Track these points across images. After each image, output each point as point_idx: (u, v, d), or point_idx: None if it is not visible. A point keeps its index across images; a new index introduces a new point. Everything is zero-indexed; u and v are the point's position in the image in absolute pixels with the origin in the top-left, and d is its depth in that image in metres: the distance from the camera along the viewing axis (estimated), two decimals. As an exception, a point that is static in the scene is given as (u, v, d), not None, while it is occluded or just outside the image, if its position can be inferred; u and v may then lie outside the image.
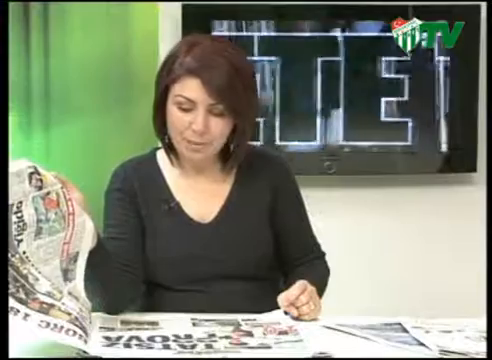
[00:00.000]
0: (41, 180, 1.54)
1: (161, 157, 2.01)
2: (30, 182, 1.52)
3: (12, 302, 1.45)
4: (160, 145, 2.00)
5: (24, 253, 1.50)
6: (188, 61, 1.84)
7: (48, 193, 1.55)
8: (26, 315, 1.45)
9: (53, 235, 1.55)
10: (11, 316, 1.43)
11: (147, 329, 1.65)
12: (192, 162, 1.95)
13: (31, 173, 1.53)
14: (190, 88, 1.83)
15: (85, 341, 1.49)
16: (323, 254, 2.09)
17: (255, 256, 1.94)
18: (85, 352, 1.48)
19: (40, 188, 1.54)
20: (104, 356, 1.48)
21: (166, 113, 1.89)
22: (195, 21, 3.21)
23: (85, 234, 1.63)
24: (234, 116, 1.87)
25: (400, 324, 1.73)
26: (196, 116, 1.84)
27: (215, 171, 1.99)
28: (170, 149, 1.95)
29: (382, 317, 1.80)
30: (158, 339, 1.58)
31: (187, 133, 1.86)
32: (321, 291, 1.92)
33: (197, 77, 1.82)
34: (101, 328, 1.64)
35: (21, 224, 1.49)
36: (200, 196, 1.97)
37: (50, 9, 3.34)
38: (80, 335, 1.49)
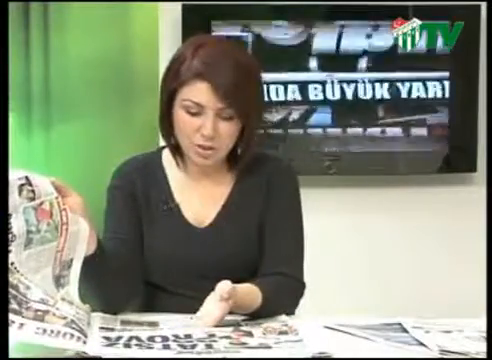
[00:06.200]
0: (33, 191, 1.51)
1: (166, 156, 1.98)
2: (20, 194, 1.49)
3: None
4: (163, 144, 1.98)
5: (12, 264, 1.48)
6: (195, 64, 1.80)
7: (41, 203, 1.53)
8: (21, 325, 1.44)
9: (44, 244, 1.53)
10: None
11: (147, 329, 1.65)
12: (198, 165, 1.92)
13: (22, 185, 1.50)
14: (198, 92, 1.80)
15: (84, 342, 1.49)
16: (298, 279, 1.90)
17: (247, 262, 1.91)
18: (85, 352, 1.48)
19: (32, 199, 1.51)
20: (104, 356, 1.47)
21: (173, 116, 1.86)
22: (195, 21, 3.21)
23: (79, 242, 1.61)
24: (243, 119, 1.84)
25: (400, 324, 1.73)
26: (205, 120, 1.81)
27: (221, 174, 1.96)
28: (176, 151, 1.93)
29: (382, 317, 1.79)
30: (158, 339, 1.57)
31: (196, 137, 1.83)
32: (250, 308, 1.76)
33: (205, 81, 1.79)
34: (101, 328, 1.64)
35: (10, 236, 1.47)
36: (201, 199, 1.94)
37: (50, 9, 3.35)
38: (78, 337, 1.49)
